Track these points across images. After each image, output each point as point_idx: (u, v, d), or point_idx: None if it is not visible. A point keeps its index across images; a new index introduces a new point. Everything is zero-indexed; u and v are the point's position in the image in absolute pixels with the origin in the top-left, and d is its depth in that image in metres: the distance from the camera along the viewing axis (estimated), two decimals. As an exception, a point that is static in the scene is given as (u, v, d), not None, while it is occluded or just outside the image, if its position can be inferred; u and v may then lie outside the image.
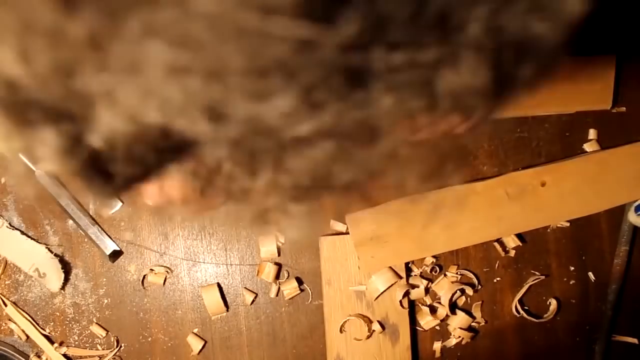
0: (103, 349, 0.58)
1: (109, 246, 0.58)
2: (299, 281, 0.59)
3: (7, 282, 0.57)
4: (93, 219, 0.58)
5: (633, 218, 0.61)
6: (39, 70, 0.17)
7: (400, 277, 0.58)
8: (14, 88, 0.17)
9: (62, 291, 0.58)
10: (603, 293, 0.62)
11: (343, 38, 0.16)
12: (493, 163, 0.61)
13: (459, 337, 0.60)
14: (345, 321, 0.57)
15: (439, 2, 0.17)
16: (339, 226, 0.59)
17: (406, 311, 0.58)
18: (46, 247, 0.57)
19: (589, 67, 0.59)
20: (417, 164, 0.25)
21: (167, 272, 0.59)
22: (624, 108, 0.62)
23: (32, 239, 0.57)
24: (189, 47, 0.16)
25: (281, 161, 0.20)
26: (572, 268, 0.62)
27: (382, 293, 0.57)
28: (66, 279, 0.57)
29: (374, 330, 0.57)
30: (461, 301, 0.61)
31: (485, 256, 0.61)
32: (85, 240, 0.58)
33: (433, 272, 0.60)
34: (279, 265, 0.59)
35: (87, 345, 0.58)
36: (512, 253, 0.61)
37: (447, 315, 0.60)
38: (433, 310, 0.60)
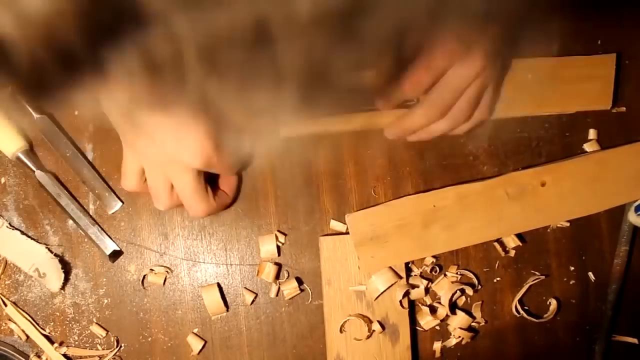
0: (103, 349, 0.58)
1: (109, 246, 0.58)
2: (299, 281, 0.59)
3: (7, 282, 0.58)
4: (93, 219, 0.58)
5: (633, 218, 0.61)
6: None
7: (400, 277, 0.58)
8: None
9: (62, 291, 0.58)
10: (603, 293, 0.62)
11: None
12: (493, 163, 0.61)
13: (459, 337, 0.60)
14: (345, 321, 0.57)
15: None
16: (339, 226, 0.59)
17: (406, 311, 0.58)
18: (46, 247, 0.57)
19: (589, 67, 0.59)
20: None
21: (167, 272, 0.59)
22: (624, 108, 0.62)
23: (32, 239, 0.57)
24: None
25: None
26: (572, 268, 0.62)
27: (382, 293, 0.57)
28: (66, 279, 0.57)
29: (374, 330, 0.57)
30: (461, 301, 0.61)
31: (485, 256, 0.61)
32: (85, 240, 0.58)
33: (433, 272, 0.60)
34: (279, 265, 0.59)
35: (87, 345, 0.58)
36: (512, 253, 0.61)
37: (447, 315, 0.60)
38: (433, 310, 0.60)
